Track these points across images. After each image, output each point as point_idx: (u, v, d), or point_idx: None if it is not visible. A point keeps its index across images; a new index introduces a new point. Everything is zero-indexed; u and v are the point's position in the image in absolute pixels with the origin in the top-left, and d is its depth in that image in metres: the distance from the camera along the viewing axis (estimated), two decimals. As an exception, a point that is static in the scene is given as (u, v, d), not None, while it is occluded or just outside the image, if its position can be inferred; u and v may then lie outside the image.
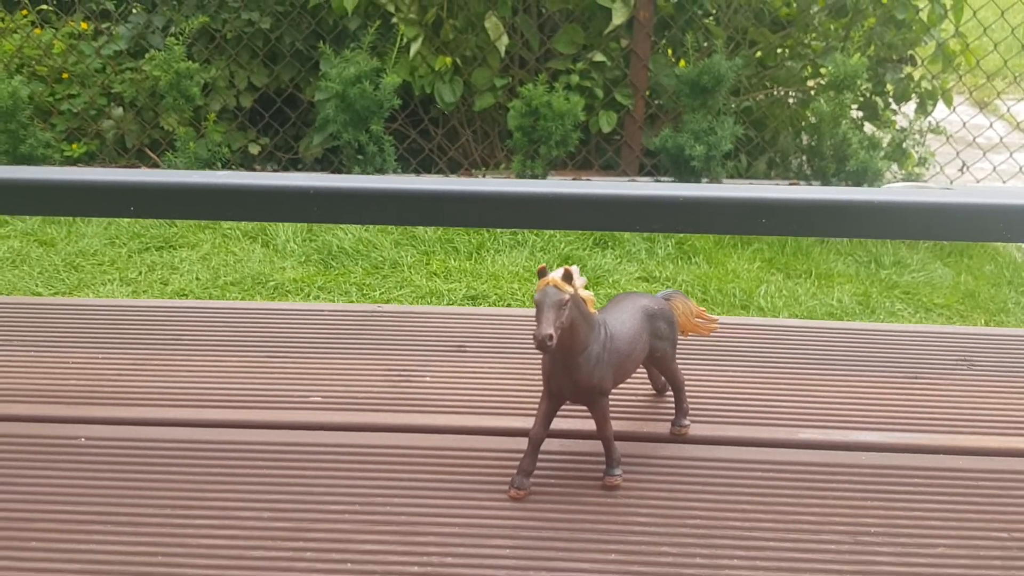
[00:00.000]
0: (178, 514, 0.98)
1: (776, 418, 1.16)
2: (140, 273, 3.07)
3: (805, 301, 3.07)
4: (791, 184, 4.06)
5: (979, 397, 1.22)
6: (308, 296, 2.95)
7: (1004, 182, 4.26)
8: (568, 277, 0.95)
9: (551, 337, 0.91)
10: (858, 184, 3.79)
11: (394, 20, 3.88)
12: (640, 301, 1.08)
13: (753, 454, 1.09)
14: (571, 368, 0.99)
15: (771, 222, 1.04)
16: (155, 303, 1.47)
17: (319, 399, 1.19)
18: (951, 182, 4.19)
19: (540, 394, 1.03)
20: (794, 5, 4.13)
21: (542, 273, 0.96)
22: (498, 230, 3.40)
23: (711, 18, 4.10)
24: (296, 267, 3.15)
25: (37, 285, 2.95)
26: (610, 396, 1.03)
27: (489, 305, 2.97)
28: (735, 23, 4.07)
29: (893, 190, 1.24)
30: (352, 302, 2.93)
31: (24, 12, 4.03)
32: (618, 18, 3.88)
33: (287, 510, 0.99)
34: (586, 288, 0.99)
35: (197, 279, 3.03)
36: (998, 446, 1.12)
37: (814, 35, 4.21)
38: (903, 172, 4.07)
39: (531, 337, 0.93)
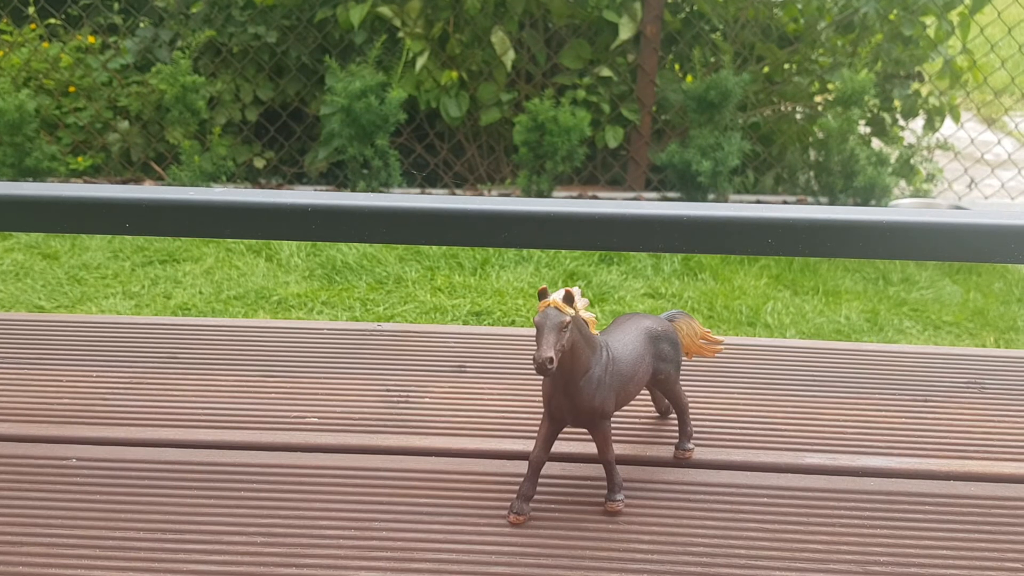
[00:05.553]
0: (169, 538, 0.96)
1: (781, 442, 1.14)
2: (143, 287, 3.05)
3: (812, 318, 3.05)
4: (799, 200, 4.04)
5: (991, 421, 1.20)
6: (311, 311, 2.93)
7: (1012, 199, 4.23)
8: (569, 298, 0.93)
9: (551, 360, 0.89)
10: (866, 200, 3.77)
11: (400, 34, 3.87)
12: (643, 322, 1.05)
13: (758, 479, 1.06)
14: (572, 391, 0.97)
15: (777, 242, 1.02)
16: (150, 320, 1.45)
17: (315, 420, 1.17)
18: (959, 198, 4.17)
19: (541, 416, 1.01)
20: (801, 21, 4.12)
21: (543, 294, 0.93)
22: (503, 245, 3.38)
23: (718, 33, 4.09)
24: (300, 282, 3.14)
25: (40, 298, 2.94)
26: (612, 419, 1.01)
27: (493, 321, 2.94)
28: (742, 38, 4.06)
29: (900, 210, 1.21)
30: (355, 317, 2.91)
31: (32, 26, 4.04)
32: (625, 33, 3.88)
33: (280, 534, 0.96)
34: (588, 309, 0.97)
35: (200, 293, 3.02)
36: (1011, 472, 1.09)
37: (821, 51, 4.20)
38: (911, 188, 4.05)
39: (531, 359, 0.91)
